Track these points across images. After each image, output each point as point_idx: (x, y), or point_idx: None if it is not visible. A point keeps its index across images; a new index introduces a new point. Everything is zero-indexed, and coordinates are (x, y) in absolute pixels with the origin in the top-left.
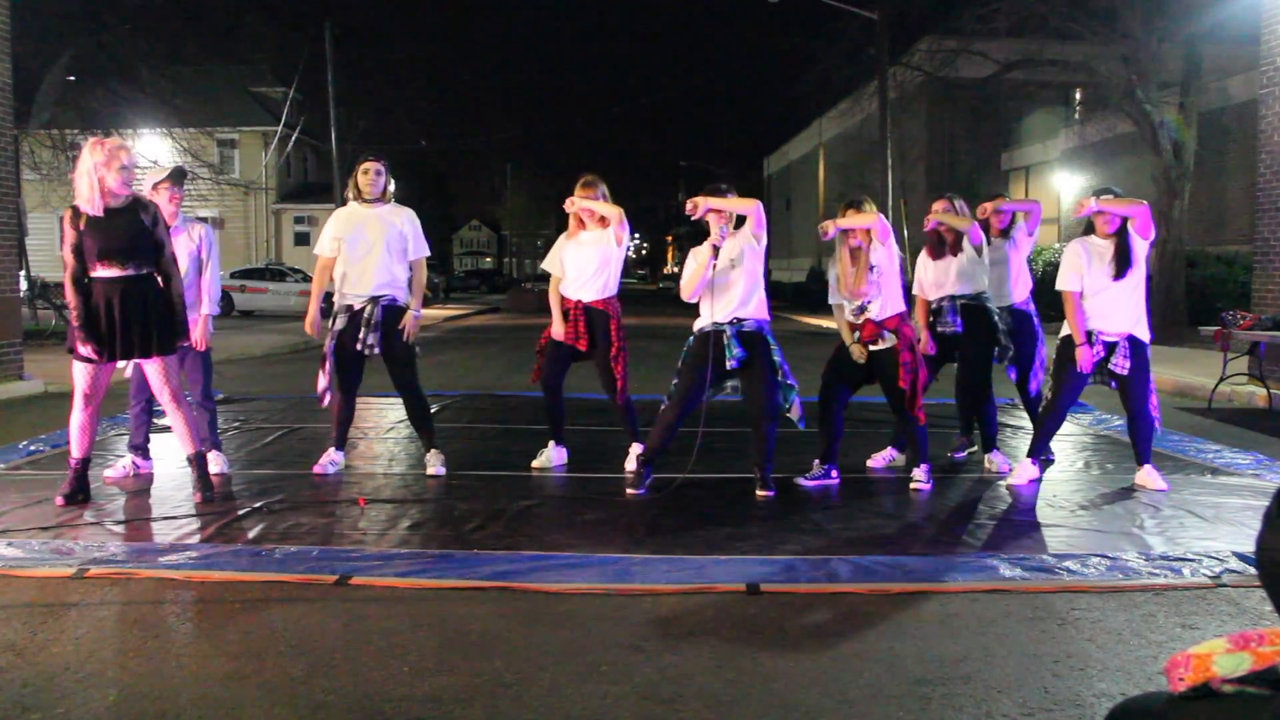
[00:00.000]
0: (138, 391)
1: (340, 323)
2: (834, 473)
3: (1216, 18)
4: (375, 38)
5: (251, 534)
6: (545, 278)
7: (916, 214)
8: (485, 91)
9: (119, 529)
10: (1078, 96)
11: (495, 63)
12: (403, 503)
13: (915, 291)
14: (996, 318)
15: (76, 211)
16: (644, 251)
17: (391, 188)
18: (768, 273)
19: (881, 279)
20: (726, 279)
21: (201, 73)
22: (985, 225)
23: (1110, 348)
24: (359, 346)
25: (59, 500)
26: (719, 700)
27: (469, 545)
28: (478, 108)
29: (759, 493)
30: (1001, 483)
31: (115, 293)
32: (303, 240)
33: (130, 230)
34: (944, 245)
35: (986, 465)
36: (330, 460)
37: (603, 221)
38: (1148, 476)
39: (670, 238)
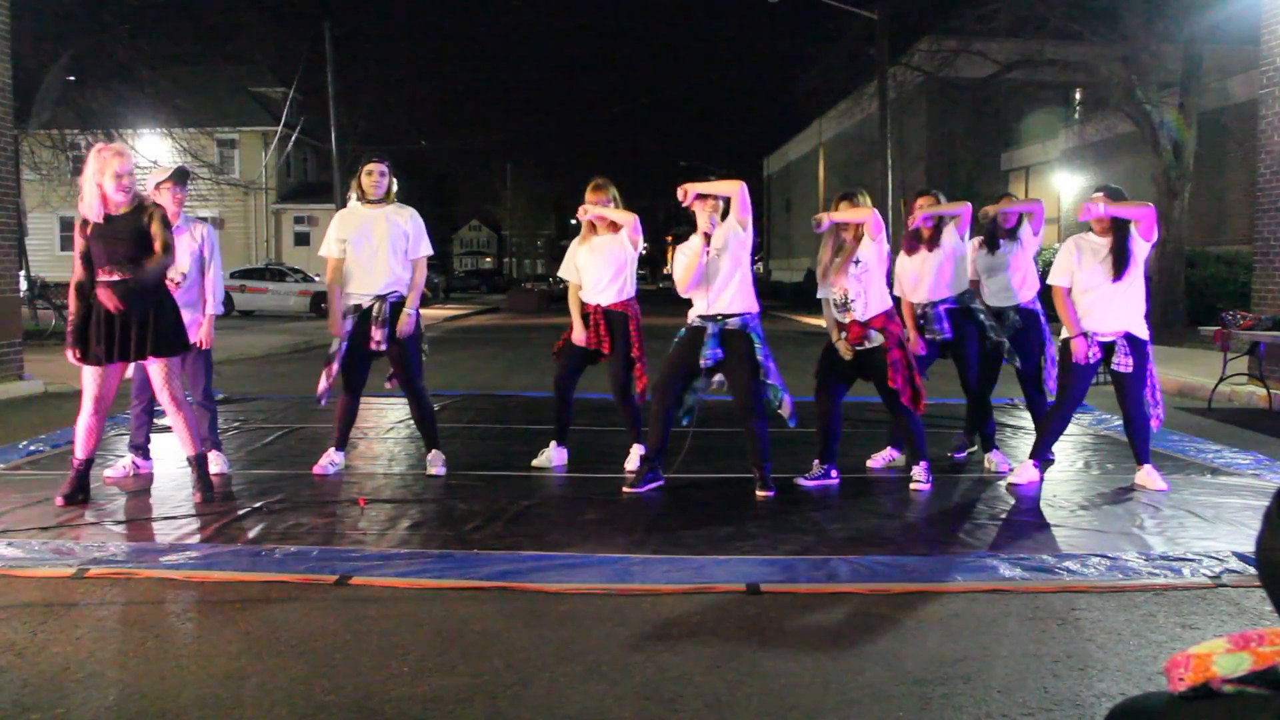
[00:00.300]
0: (139, 391)
1: (349, 323)
2: (834, 473)
3: (1216, 18)
4: (375, 38)
5: (252, 534)
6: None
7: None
8: (485, 91)
9: (119, 529)
10: (1078, 96)
11: (496, 62)
12: (403, 503)
13: (896, 292)
14: (983, 316)
15: (85, 220)
16: (644, 251)
17: (395, 188)
18: (768, 273)
19: (866, 275)
20: (715, 268)
21: (201, 73)
22: (991, 228)
23: (1109, 348)
24: (371, 345)
25: (59, 500)
26: (719, 700)
27: (469, 545)
28: (478, 108)
29: (759, 493)
30: (1001, 483)
31: (121, 296)
32: (302, 240)
33: (133, 235)
34: (920, 240)
35: (986, 465)
36: (330, 460)
37: (614, 226)
38: (1148, 476)
39: (670, 238)
